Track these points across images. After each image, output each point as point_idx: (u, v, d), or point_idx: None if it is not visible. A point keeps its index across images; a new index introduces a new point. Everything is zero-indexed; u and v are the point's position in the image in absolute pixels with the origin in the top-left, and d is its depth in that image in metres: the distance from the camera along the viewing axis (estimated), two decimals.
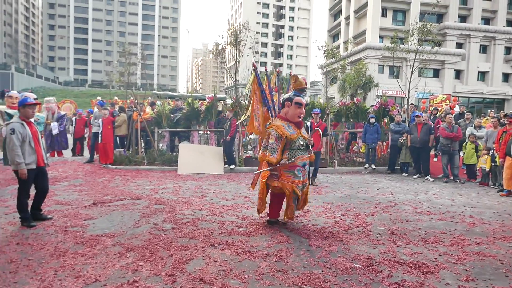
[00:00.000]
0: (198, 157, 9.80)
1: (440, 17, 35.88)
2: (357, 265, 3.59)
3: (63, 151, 12.03)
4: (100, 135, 10.13)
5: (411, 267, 3.57)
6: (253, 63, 5.16)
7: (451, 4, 35.48)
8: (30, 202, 4.85)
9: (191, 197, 6.60)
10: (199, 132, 11.81)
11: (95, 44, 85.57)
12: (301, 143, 4.65)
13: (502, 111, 20.25)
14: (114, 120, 10.58)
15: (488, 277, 3.39)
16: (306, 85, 4.75)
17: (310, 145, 4.78)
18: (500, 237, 4.64)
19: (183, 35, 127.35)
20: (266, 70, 5.38)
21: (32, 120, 4.92)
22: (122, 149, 10.86)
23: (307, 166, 4.87)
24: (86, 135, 12.93)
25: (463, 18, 36.41)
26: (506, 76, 36.94)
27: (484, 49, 36.59)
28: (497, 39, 35.87)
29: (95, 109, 11.62)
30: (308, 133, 8.34)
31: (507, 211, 6.14)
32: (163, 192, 6.95)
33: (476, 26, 35.54)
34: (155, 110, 11.52)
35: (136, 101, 11.35)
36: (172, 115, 11.17)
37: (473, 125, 9.94)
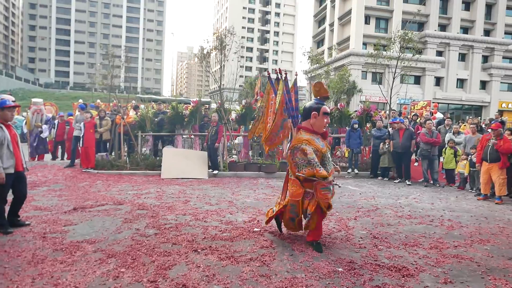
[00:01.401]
0: (182, 161, 9.73)
1: (421, 26, 36.82)
2: (340, 269, 3.63)
3: (44, 154, 11.76)
4: (81, 139, 9.94)
5: (391, 270, 3.64)
6: (267, 72, 4.87)
7: (432, 13, 36.49)
8: (7, 208, 4.71)
9: (175, 202, 6.55)
10: (183, 136, 11.74)
11: (77, 45, 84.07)
12: (329, 155, 4.34)
13: (479, 117, 20.88)
14: (96, 124, 10.41)
15: (465, 279, 3.48)
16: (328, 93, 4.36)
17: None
18: (477, 240, 4.78)
19: (168, 38, 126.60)
20: (280, 73, 4.66)
21: (10, 123, 4.80)
22: (104, 153, 10.68)
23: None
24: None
25: (443, 27, 37.47)
26: (483, 84, 38.15)
27: (462, 57, 37.72)
28: (475, 48, 37.04)
29: (77, 112, 11.42)
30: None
31: (484, 215, 6.33)
32: (146, 197, 6.87)
33: (455, 35, 36.63)
34: (139, 113, 11.40)
35: (119, 104, 11.20)
36: (155, 119, 11.08)
37: (452, 131, 10.22)
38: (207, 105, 15.70)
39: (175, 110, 10.99)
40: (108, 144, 11.12)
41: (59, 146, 12.55)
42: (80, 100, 19.78)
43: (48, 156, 12.41)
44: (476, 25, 37.60)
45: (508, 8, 38.62)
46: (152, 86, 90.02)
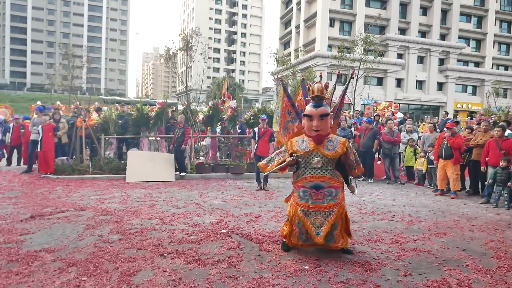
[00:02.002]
0: (148, 164, 9.51)
1: (382, 29, 38.29)
2: (306, 267, 3.70)
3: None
4: (40, 143, 9.46)
5: (355, 265, 3.75)
6: (280, 78, 4.71)
7: (392, 17, 38.05)
8: None
9: (140, 206, 6.39)
10: (149, 138, 11.48)
11: (35, 45, 79.92)
12: (316, 160, 3.91)
13: (436, 117, 22.01)
14: (55, 127, 9.93)
15: (423, 271, 3.66)
16: (322, 92, 3.95)
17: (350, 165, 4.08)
18: (434, 233, 5.04)
19: (132, 38, 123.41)
20: (281, 80, 4.62)
21: None
22: (65, 158, 10.22)
23: (329, 189, 3.92)
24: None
25: (402, 31, 39.18)
26: (440, 85, 40.27)
27: (421, 59, 39.62)
28: (432, 51, 39.04)
29: (34, 115, 10.87)
30: (255, 140, 8.47)
31: (441, 209, 6.68)
32: (110, 202, 6.65)
33: (414, 38, 38.41)
34: (102, 116, 11.02)
35: (81, 106, 10.77)
36: (119, 121, 10.76)
37: (406, 130, 10.72)
38: (173, 107, 15.46)
39: (140, 112, 10.72)
40: (67, 147, 10.65)
41: (15, 151, 11.87)
42: (38, 102, 18.83)
43: (3, 161, 11.71)
44: (433, 29, 39.64)
45: (462, 14, 41.07)
46: (117, 87, 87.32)
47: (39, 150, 9.50)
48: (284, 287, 3.23)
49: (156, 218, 5.52)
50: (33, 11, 79.38)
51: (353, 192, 4.30)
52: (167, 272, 3.49)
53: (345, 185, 4.15)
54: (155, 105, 11.96)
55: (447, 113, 15.69)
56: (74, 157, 10.51)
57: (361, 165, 4.20)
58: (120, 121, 10.78)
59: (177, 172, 9.79)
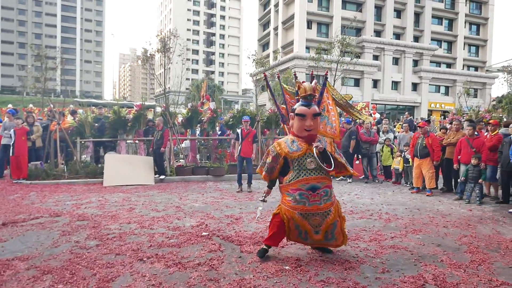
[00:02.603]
0: (126, 167, 9.33)
1: (358, 31, 39.06)
2: (287, 267, 3.72)
3: None
4: (12, 147, 9.12)
5: (335, 264, 3.81)
6: (325, 73, 4.21)
7: (368, 20, 38.90)
8: None
9: (118, 210, 6.26)
10: (127, 141, 11.27)
11: (5, 46, 76.88)
12: (309, 161, 3.78)
13: (411, 116, 22.63)
14: (28, 131, 9.60)
15: (400, 267, 3.75)
16: (313, 91, 3.86)
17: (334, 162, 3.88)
18: (411, 230, 5.18)
19: (108, 39, 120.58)
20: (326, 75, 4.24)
21: None
22: (39, 162, 9.89)
23: (325, 189, 3.80)
24: None
25: (378, 33, 40.11)
26: (414, 86, 41.44)
27: (396, 61, 40.66)
28: (406, 53, 40.14)
29: (5, 119, 10.47)
30: (239, 141, 8.49)
31: (417, 207, 6.88)
32: (87, 207, 6.48)
33: (389, 40, 39.39)
34: (77, 119, 10.73)
35: (54, 109, 10.45)
36: (96, 124, 10.50)
37: (382, 130, 10.98)
38: (152, 109, 15.25)
39: (117, 115, 10.51)
40: (41, 152, 10.31)
41: None
42: (10, 105, 18.15)
43: None
44: (406, 31, 40.78)
45: (434, 17, 42.48)
46: (93, 90, 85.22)
47: (11, 154, 9.16)
48: None
49: (135, 223, 5.42)
50: (3, 10, 76.38)
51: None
52: (147, 277, 3.44)
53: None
54: (133, 108, 11.77)
55: (409, 114, 16.24)
56: (48, 161, 10.18)
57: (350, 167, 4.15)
58: (96, 124, 10.53)
59: (157, 175, 9.65)
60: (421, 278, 3.49)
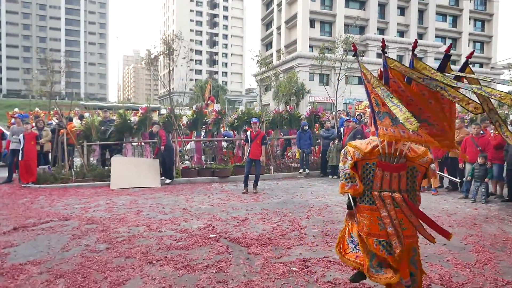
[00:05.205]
0: (133, 170, 9.42)
1: (362, 30, 38.98)
2: (294, 268, 3.78)
3: None
4: (21, 152, 9.25)
5: (341, 265, 3.85)
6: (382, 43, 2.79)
7: (371, 18, 38.79)
8: None
9: (126, 213, 6.34)
10: (133, 144, 11.37)
11: (10, 50, 77.59)
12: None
13: None
14: (37, 136, 9.73)
15: None
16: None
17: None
18: None
19: (112, 41, 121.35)
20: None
21: None
22: (46, 166, 10.02)
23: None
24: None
25: (381, 31, 39.99)
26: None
27: (400, 59, 40.43)
28: (410, 50, 39.94)
29: (13, 124, 10.61)
30: (248, 143, 8.56)
31: (422, 206, 6.84)
32: (95, 210, 6.58)
33: (393, 38, 39.25)
34: (83, 122, 10.85)
35: (61, 112, 10.58)
36: (102, 128, 10.61)
37: None
38: (156, 111, 15.35)
39: (123, 118, 10.61)
40: (49, 156, 10.44)
41: None
42: (16, 109, 18.37)
43: None
44: (410, 29, 40.62)
45: (438, 13, 42.25)
46: (97, 92, 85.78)
47: (20, 159, 9.29)
48: None
49: (143, 225, 5.50)
50: (7, 15, 77.11)
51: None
52: (157, 279, 3.51)
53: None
54: (138, 110, 11.87)
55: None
56: (56, 165, 10.31)
57: None
58: (102, 127, 10.64)
59: (163, 178, 9.73)
60: (427, 278, 3.52)
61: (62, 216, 6.10)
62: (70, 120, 11.25)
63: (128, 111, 11.90)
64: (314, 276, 3.58)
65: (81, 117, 11.76)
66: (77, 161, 11.03)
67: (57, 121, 10.86)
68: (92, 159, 11.07)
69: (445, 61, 2.50)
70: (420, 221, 2.76)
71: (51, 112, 13.72)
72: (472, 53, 2.84)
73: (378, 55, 38.80)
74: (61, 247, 4.51)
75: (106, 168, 10.25)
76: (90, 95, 75.67)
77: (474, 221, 5.77)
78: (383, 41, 2.83)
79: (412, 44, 2.71)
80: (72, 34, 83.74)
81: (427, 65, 2.47)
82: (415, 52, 2.65)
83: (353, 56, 3.03)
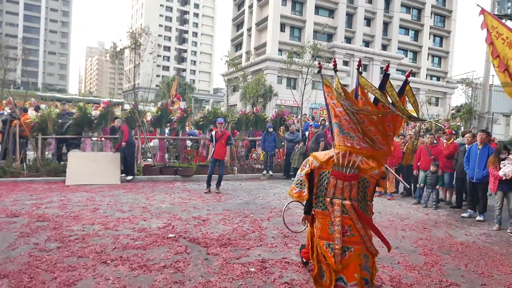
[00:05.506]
0: (91, 165, 9.04)
1: (330, 37, 40.01)
2: (252, 269, 3.80)
3: None
4: None
5: (299, 266, 3.93)
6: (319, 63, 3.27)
7: (339, 26, 39.92)
8: None
9: (82, 210, 6.08)
10: (93, 139, 10.92)
11: None
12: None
13: None
14: None
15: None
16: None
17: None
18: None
19: (75, 31, 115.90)
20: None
21: None
22: None
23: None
24: None
25: (348, 39, 41.25)
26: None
27: (364, 68, 41.97)
28: (374, 60, 41.57)
29: None
30: (213, 143, 8.49)
31: (378, 210, 7.13)
32: (48, 207, 6.24)
33: (358, 47, 40.63)
34: (39, 114, 10.27)
35: (15, 103, 9.94)
36: (59, 120, 10.10)
37: None
38: (119, 106, 14.85)
39: (82, 111, 10.16)
40: None
41: None
42: None
43: None
44: (375, 39, 42.25)
45: (401, 27, 44.30)
46: (56, 83, 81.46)
47: None
48: None
49: (99, 224, 5.30)
50: None
51: None
52: (110, 280, 3.40)
53: None
54: (100, 104, 11.41)
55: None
56: (6, 158, 9.68)
57: None
58: (60, 120, 10.13)
59: (123, 175, 9.43)
60: (378, 279, 3.68)
61: (10, 213, 5.74)
62: (25, 111, 10.58)
63: (89, 104, 11.39)
64: (271, 277, 3.62)
65: (37, 108, 11.13)
66: (31, 154, 10.44)
67: (9, 111, 10.19)
68: (47, 153, 10.50)
69: (385, 79, 2.65)
70: (368, 231, 2.95)
71: (4, 102, 12.86)
72: (410, 72, 3.08)
73: (345, 63, 40.04)
74: (7, 245, 4.24)
75: (62, 163, 9.77)
76: (48, 86, 71.68)
77: (425, 225, 6.10)
78: (360, 61, 3.08)
79: (384, 68, 2.90)
80: (31, 20, 78.97)
81: (369, 82, 2.74)
82: (359, 69, 2.89)
83: (318, 72, 3.25)
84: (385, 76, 2.66)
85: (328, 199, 2.96)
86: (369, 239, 2.95)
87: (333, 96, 2.89)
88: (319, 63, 3.31)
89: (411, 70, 3.44)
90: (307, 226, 3.51)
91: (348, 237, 2.90)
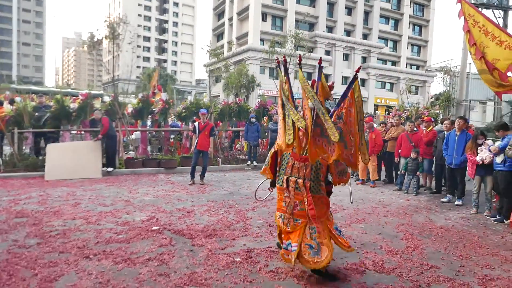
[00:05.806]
0: (71, 158, 8.80)
1: (311, 26, 39.95)
2: (238, 259, 3.81)
3: None
4: None
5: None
6: (299, 57, 3.64)
7: (320, 15, 39.91)
8: None
9: (62, 205, 5.94)
10: (72, 132, 10.64)
11: None
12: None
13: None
14: None
15: (344, 255, 3.99)
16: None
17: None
18: (355, 220, 5.51)
19: (50, 21, 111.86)
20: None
21: None
22: None
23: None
24: None
25: (330, 29, 41.34)
26: (362, 82, 43.38)
27: (346, 57, 42.26)
28: (356, 49, 41.86)
29: None
30: (196, 134, 8.41)
31: (361, 197, 7.30)
32: (26, 203, 6.07)
33: (340, 36, 40.79)
34: (14, 107, 9.91)
35: None
36: (36, 114, 9.78)
37: None
38: (99, 98, 14.51)
39: (60, 104, 9.86)
40: None
41: None
42: None
43: None
44: (356, 29, 42.48)
45: (381, 16, 44.63)
46: (32, 75, 78.74)
47: None
48: (216, 280, 3.30)
49: (80, 218, 5.19)
50: None
51: None
52: (94, 274, 3.34)
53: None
54: (78, 96, 11.10)
55: (376, 108, 16.79)
56: None
57: None
58: (37, 114, 9.81)
59: (104, 168, 9.25)
60: (362, 264, 3.75)
61: None
62: (0, 104, 10.21)
63: (67, 97, 11.06)
64: (257, 266, 3.64)
65: (11, 102, 10.75)
66: (7, 149, 10.10)
67: None
68: (24, 147, 10.19)
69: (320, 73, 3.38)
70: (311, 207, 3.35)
71: None
72: (359, 67, 3.66)
73: (326, 52, 40.16)
74: None
75: (40, 157, 9.50)
76: (23, 78, 69.24)
77: (406, 211, 6.24)
78: (320, 60, 3.62)
79: (356, 69, 3.56)
80: (2, 10, 75.70)
81: (304, 77, 3.45)
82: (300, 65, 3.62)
83: (276, 67, 3.75)
84: (320, 68, 3.39)
85: (285, 177, 3.48)
86: (309, 217, 3.35)
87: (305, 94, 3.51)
88: (299, 57, 3.72)
89: (361, 66, 4.25)
90: (270, 193, 4.35)
91: (298, 211, 3.43)
